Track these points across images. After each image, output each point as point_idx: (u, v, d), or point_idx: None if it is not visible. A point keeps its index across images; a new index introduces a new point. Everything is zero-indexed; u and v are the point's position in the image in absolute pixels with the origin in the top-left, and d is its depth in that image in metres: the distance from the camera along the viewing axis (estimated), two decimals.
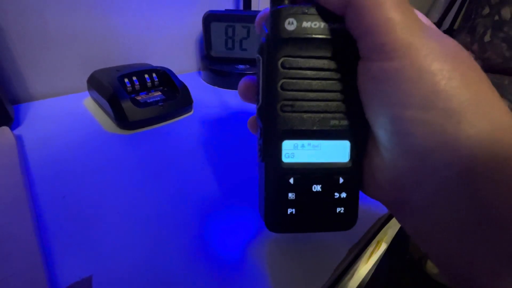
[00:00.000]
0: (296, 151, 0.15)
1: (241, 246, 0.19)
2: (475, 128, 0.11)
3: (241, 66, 0.46)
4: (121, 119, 0.32)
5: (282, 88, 0.14)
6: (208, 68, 0.46)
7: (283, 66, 0.14)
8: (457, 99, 0.11)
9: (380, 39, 0.11)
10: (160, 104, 0.34)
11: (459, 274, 0.12)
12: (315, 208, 0.16)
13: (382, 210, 0.23)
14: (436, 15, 1.15)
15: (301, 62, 0.14)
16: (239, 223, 0.21)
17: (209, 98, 0.42)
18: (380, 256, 0.54)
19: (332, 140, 0.15)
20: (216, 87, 0.47)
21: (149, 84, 0.37)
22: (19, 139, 0.30)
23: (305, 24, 0.13)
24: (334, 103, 0.15)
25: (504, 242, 0.10)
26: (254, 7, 0.53)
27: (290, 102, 0.14)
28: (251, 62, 0.47)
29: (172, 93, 0.37)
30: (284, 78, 0.14)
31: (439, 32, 0.13)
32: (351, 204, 0.16)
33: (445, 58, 0.11)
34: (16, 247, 0.17)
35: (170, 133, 0.33)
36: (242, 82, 0.17)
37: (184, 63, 0.54)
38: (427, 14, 1.27)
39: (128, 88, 0.35)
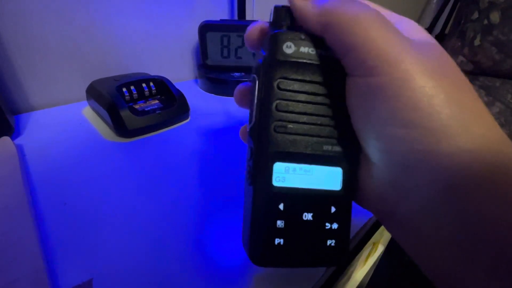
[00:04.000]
0: (287, 175, 0.15)
1: (235, 249, 0.20)
2: (456, 146, 0.11)
3: (236, 74, 0.47)
4: (120, 128, 0.32)
5: (277, 109, 0.14)
6: (205, 76, 0.48)
7: (279, 87, 0.14)
8: (438, 118, 0.11)
9: (361, 56, 0.12)
10: (157, 112, 0.35)
11: (448, 286, 0.12)
12: (305, 239, 0.15)
13: None
14: (428, 20, 1.18)
15: (297, 85, 0.14)
16: (234, 228, 0.22)
17: (205, 105, 0.43)
18: (377, 258, 0.55)
19: (324, 166, 0.15)
20: (213, 94, 0.48)
21: (146, 92, 0.38)
22: (20, 148, 0.30)
23: (303, 49, 0.14)
24: (328, 128, 0.15)
25: (491, 257, 0.10)
26: (248, 17, 0.54)
27: (284, 123, 0.14)
28: (246, 70, 0.48)
29: (169, 101, 0.38)
30: (280, 99, 0.14)
31: (425, 41, 0.12)
32: (343, 236, 0.15)
33: (428, 73, 0.11)
34: (19, 253, 0.18)
35: (168, 140, 0.33)
36: (237, 90, 0.18)
37: (181, 71, 0.55)
38: (419, 19, 1.29)
39: (126, 97, 0.36)
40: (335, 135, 0.15)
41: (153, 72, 0.47)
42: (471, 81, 1.07)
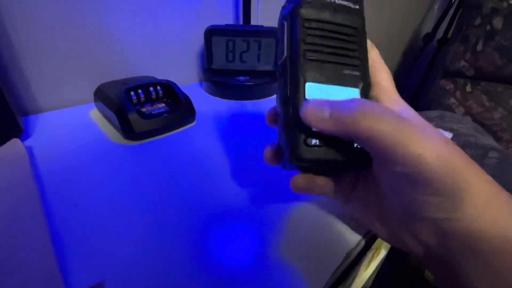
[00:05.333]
0: (317, 94, 0.18)
1: (242, 251, 0.20)
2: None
3: (241, 78, 0.48)
4: (128, 130, 0.33)
5: (305, 42, 0.18)
6: (210, 80, 0.48)
7: (305, 26, 0.18)
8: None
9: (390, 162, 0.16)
10: (164, 115, 0.35)
11: None
12: (336, 141, 0.17)
13: None
14: (430, 25, 1.18)
15: (320, 24, 0.18)
16: (242, 230, 0.22)
17: (210, 108, 0.44)
18: (380, 262, 0.55)
19: (346, 87, 0.18)
20: (217, 97, 0.48)
21: (153, 96, 0.38)
22: (29, 150, 0.31)
23: None
24: (347, 58, 0.18)
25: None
26: (253, 22, 0.55)
27: (311, 53, 0.18)
28: (251, 74, 0.49)
29: (176, 105, 0.38)
30: (307, 34, 0.18)
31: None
32: None
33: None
34: (33, 254, 0.18)
35: (175, 143, 0.34)
36: (268, 113, 0.23)
37: (186, 75, 0.55)
38: (421, 24, 1.30)
39: (134, 101, 0.36)
40: (353, 63, 0.19)
41: (159, 74, 0.47)
42: (473, 86, 1.06)
